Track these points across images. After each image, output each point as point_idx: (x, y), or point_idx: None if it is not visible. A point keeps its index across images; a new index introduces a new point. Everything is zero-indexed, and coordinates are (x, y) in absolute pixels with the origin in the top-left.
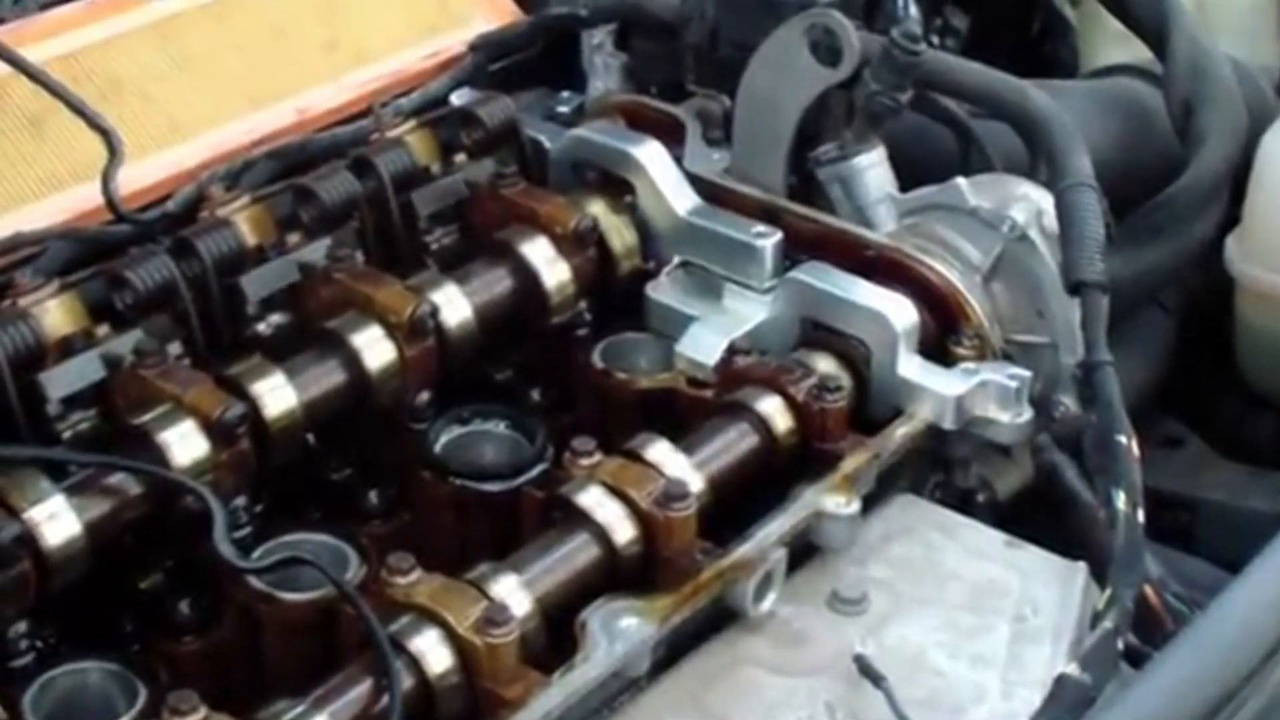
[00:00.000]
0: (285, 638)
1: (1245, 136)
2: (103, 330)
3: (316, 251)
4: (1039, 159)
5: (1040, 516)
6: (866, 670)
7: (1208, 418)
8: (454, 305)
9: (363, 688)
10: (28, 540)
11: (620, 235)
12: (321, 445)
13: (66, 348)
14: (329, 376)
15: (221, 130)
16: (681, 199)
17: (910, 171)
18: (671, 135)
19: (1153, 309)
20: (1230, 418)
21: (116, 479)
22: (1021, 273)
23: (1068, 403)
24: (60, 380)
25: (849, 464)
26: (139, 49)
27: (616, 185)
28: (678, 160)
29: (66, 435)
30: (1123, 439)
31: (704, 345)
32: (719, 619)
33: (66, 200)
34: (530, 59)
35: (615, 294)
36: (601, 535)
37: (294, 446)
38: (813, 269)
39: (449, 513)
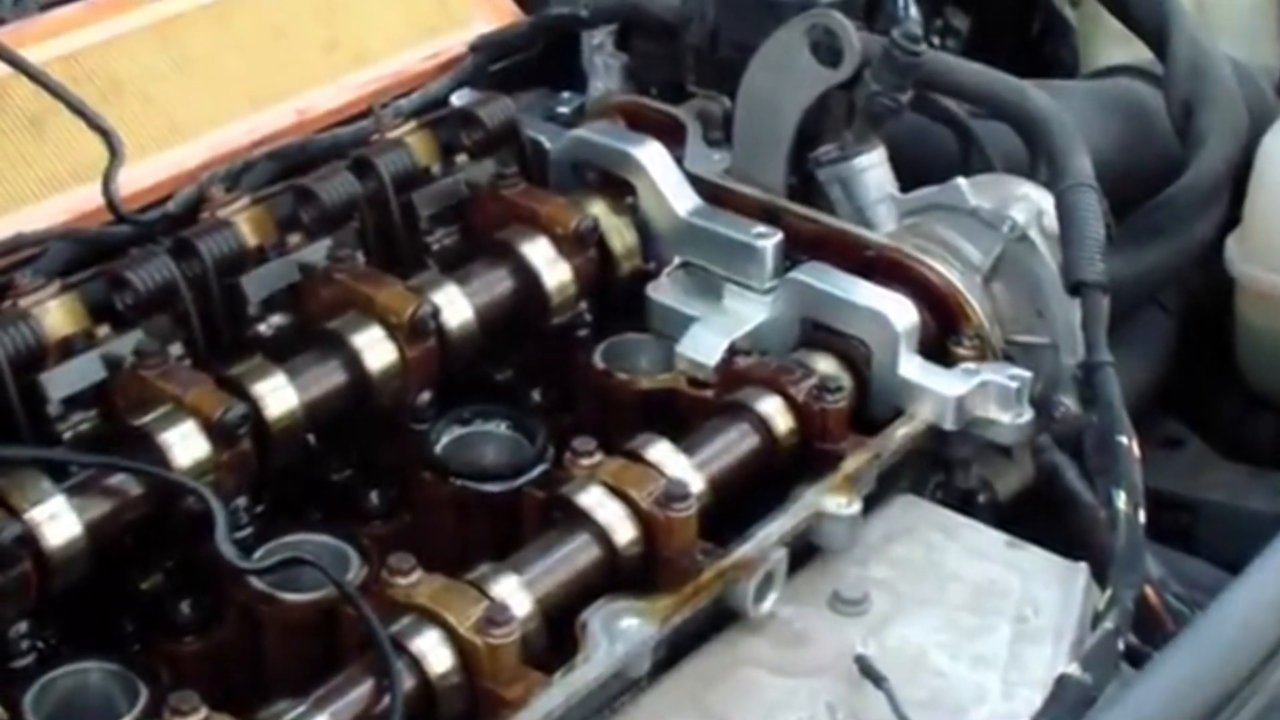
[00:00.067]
0: (286, 638)
1: (1245, 137)
2: (103, 331)
3: (317, 252)
4: (1039, 159)
5: (1041, 517)
6: (867, 671)
7: (1208, 418)
8: (455, 306)
9: (364, 688)
10: (29, 541)
11: (621, 236)
12: (322, 446)
13: (67, 348)
14: (330, 377)
15: (222, 131)
16: (682, 200)
17: (910, 172)
18: (672, 136)
19: (1153, 309)
20: (1230, 418)
21: (117, 479)
22: (1022, 273)
23: (1068, 403)
24: (61, 381)
25: (850, 464)
26: (139, 50)
27: (617, 186)
28: (678, 161)
29: (67, 436)
30: (1123, 439)
31: (704, 346)
32: (720, 619)
33: (67, 201)
34: (530, 60)
35: (616, 295)
36: (602, 536)
37: (295, 447)
38: (813, 269)
39: (450, 513)
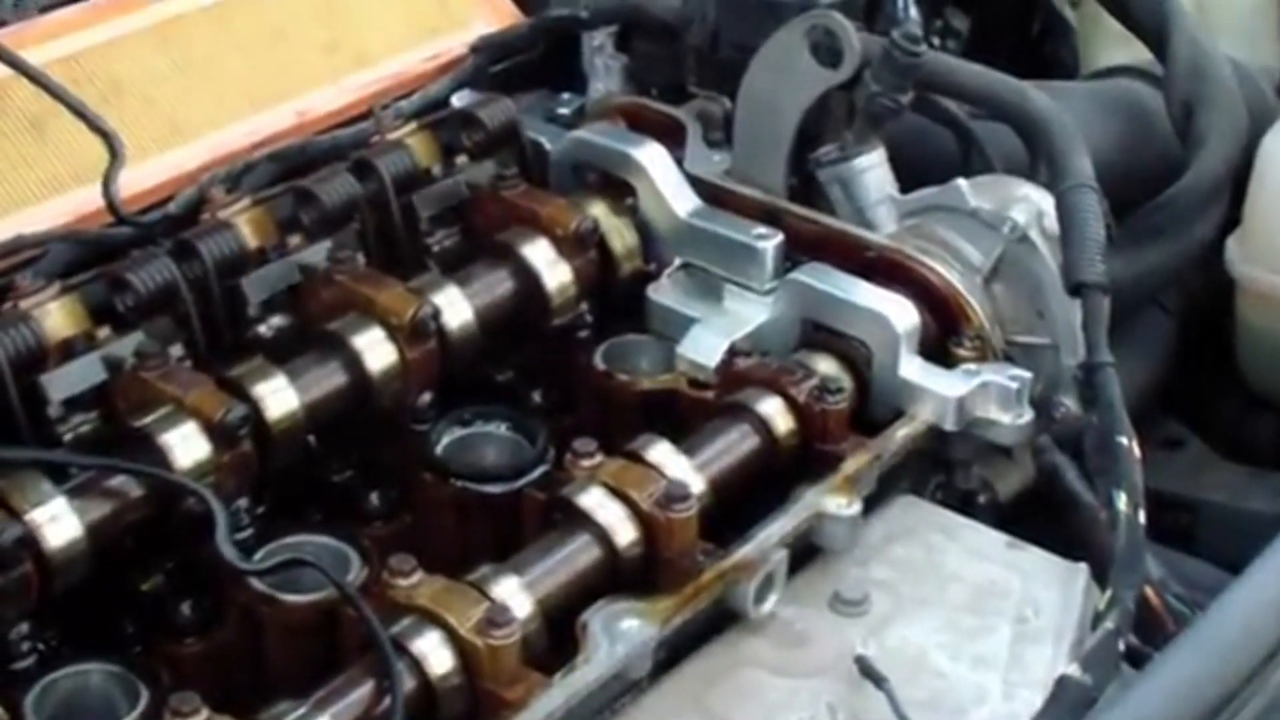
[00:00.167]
0: (287, 639)
1: (1245, 138)
2: (104, 332)
3: (318, 253)
4: (1039, 160)
5: (1041, 518)
6: (868, 671)
7: (1208, 419)
8: (455, 307)
9: (364, 689)
10: (29, 542)
11: (621, 237)
12: (323, 447)
13: (68, 350)
14: (330, 378)
15: (222, 132)
16: (682, 201)
17: (911, 173)
18: (672, 137)
19: (1153, 310)
20: (1231, 419)
21: (118, 481)
22: (1022, 274)
23: (1069, 404)
24: (61, 382)
25: (850, 465)
26: (140, 51)
27: (617, 187)
28: (678, 162)
29: (68, 437)
30: (1124, 440)
31: (705, 347)
32: (720, 620)
33: (68, 202)
34: (531, 61)
35: (616, 296)
36: (603, 536)
37: (295, 448)
38: (813, 270)
39: (450, 514)
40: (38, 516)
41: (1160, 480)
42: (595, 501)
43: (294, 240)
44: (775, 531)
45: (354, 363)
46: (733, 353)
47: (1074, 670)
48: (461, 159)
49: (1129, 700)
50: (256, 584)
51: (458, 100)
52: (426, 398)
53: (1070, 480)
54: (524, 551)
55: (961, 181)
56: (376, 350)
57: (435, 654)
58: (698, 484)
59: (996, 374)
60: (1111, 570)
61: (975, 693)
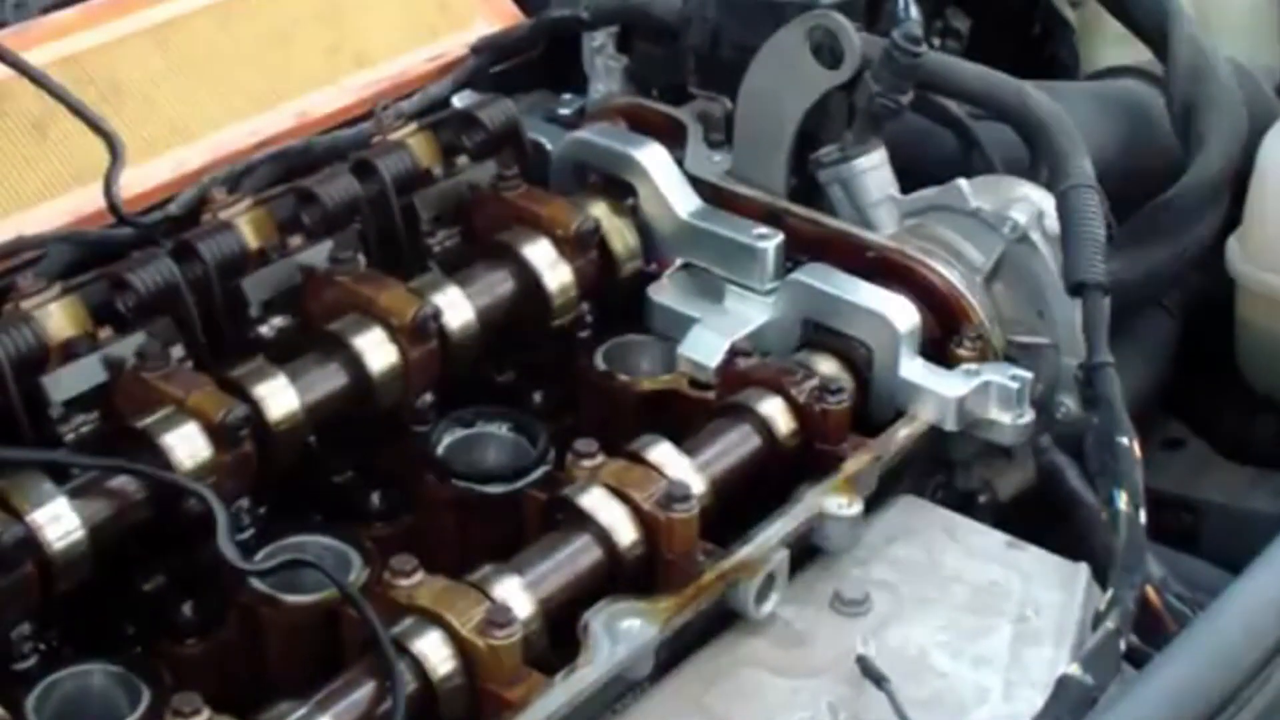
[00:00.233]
0: (288, 640)
1: (1246, 138)
2: (105, 333)
3: (318, 254)
4: (1040, 160)
5: (1042, 517)
6: (869, 671)
7: (1209, 419)
8: (456, 308)
9: (366, 689)
10: (31, 543)
11: (622, 237)
12: (324, 448)
13: (69, 351)
14: (331, 379)
15: (223, 133)
16: (683, 201)
17: (911, 173)
18: (673, 137)
19: (1154, 310)
20: (1232, 419)
21: (119, 481)
22: (1023, 274)
23: (1069, 404)
24: (62, 383)
25: (851, 465)
26: (141, 52)
27: (618, 187)
28: (679, 162)
29: (69, 438)
30: (1124, 440)
31: (706, 347)
32: (721, 620)
33: (69, 203)
34: (532, 61)
35: (617, 296)
36: (604, 537)
37: (296, 449)
38: (814, 270)
39: (451, 515)
40: (39, 517)
41: (1161, 480)
42: (596, 502)
43: (295, 241)
44: (776, 531)
45: (355, 363)
46: (733, 353)
47: (1075, 670)
48: (462, 159)
49: (1130, 700)
50: (258, 584)
51: (458, 101)
52: (427, 398)
53: (1071, 480)
54: (525, 552)
55: (962, 181)
56: (377, 351)
57: (436, 654)
58: (699, 484)
59: (997, 374)
60: (1112, 570)
61: (976, 692)
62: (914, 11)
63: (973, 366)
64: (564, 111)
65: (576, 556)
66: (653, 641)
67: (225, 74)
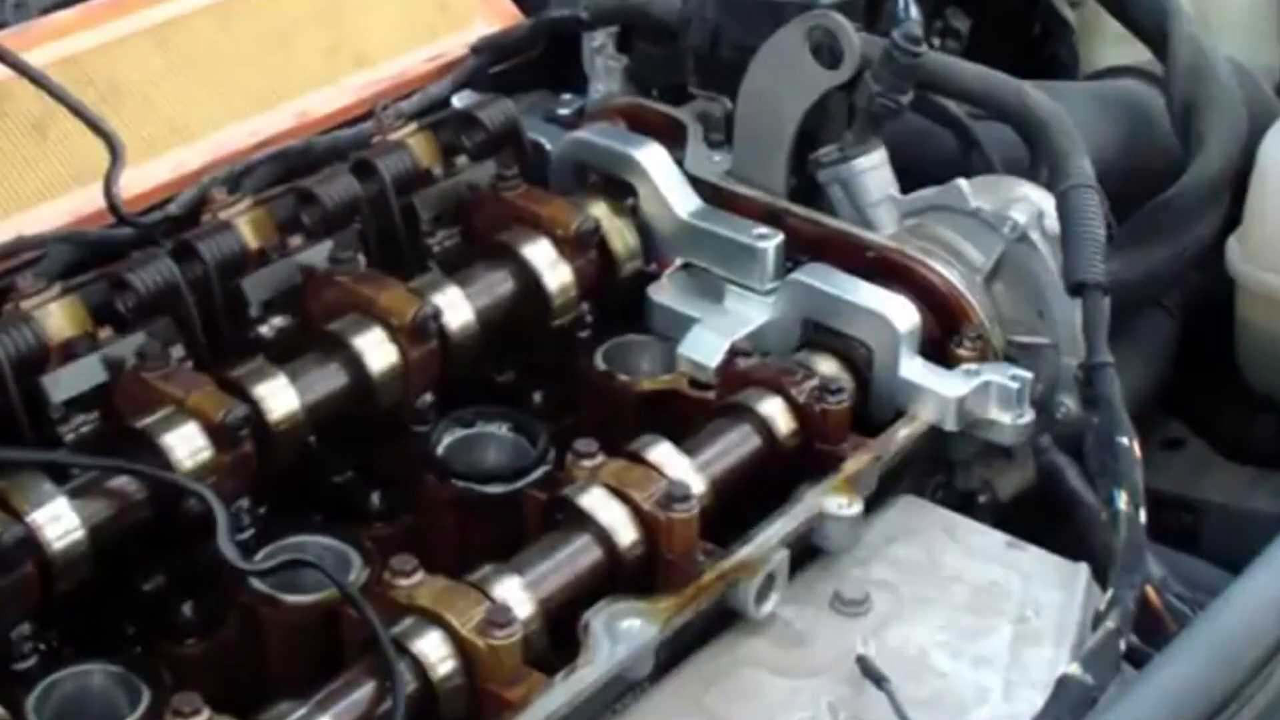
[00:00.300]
0: (288, 640)
1: (1245, 138)
2: (105, 333)
3: (318, 254)
4: (1040, 160)
5: (1042, 517)
6: (869, 671)
7: (1209, 419)
8: (456, 308)
9: (366, 690)
10: (31, 543)
11: (622, 237)
12: (324, 448)
13: (69, 351)
14: (331, 379)
15: (223, 133)
16: (683, 201)
17: (911, 173)
18: (672, 137)
19: (1154, 310)
20: (1232, 419)
21: (119, 482)
22: (1022, 274)
23: (1069, 404)
24: (62, 383)
25: (851, 465)
26: (140, 52)
27: (618, 187)
28: (679, 162)
29: (69, 438)
30: (1124, 440)
31: (706, 347)
32: (721, 620)
33: (68, 203)
34: (531, 61)
35: (617, 296)
36: (604, 537)
37: (296, 449)
38: (814, 270)
39: (451, 515)
40: (39, 517)
41: (1161, 480)
42: (596, 502)
43: (294, 241)
44: (776, 531)
45: (355, 363)
46: (733, 353)
47: (1075, 670)
48: (462, 159)
49: (1130, 700)
50: (258, 584)
51: (458, 101)
52: (427, 398)
53: (1071, 480)
54: (525, 552)
55: (962, 181)
56: (377, 351)
57: (436, 654)
58: (699, 484)
59: (997, 374)
60: (1112, 570)
61: (976, 692)
62: (914, 11)
63: (973, 366)
64: (564, 111)
65: (576, 556)
66: (653, 641)
67: (225, 74)
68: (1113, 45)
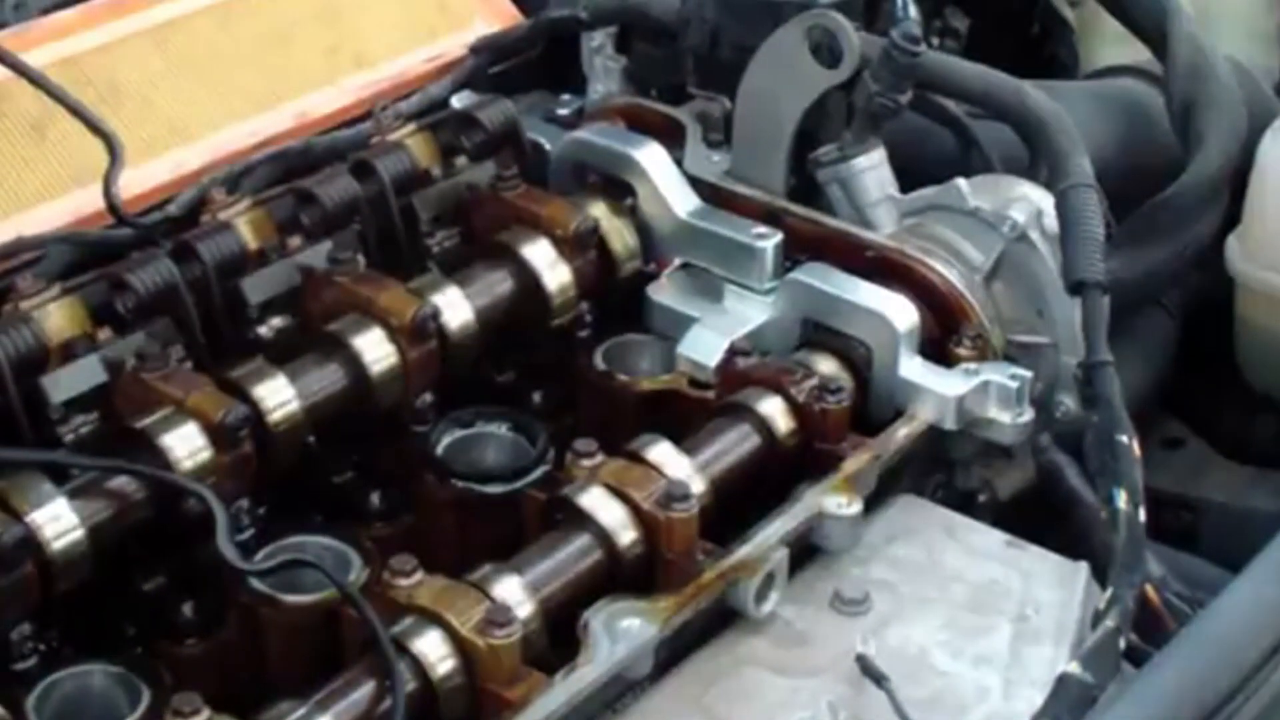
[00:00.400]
0: (288, 640)
1: (1245, 137)
2: (104, 334)
3: (318, 254)
4: (1039, 159)
5: (1042, 517)
6: (869, 670)
7: (1209, 418)
8: (455, 308)
9: (366, 689)
10: (31, 543)
11: (621, 237)
12: (324, 448)
13: (68, 351)
14: (331, 379)
15: (222, 134)
16: (682, 201)
17: (911, 172)
18: (672, 137)
19: (1154, 309)
20: (1231, 418)
21: (119, 482)
22: (1022, 273)
23: (1069, 403)
24: (62, 384)
25: (850, 465)
26: (140, 53)
27: (617, 187)
28: (678, 162)
29: (68, 439)
30: (1124, 438)
31: (705, 346)
32: (721, 620)
33: (68, 204)
34: (530, 62)
35: (617, 296)
36: (603, 536)
37: (296, 449)
38: (813, 270)
39: (451, 515)
40: (39, 517)
41: (1160, 479)
42: (596, 501)
43: (294, 241)
44: (776, 531)
45: (354, 364)
46: (733, 352)
47: (1074, 668)
48: (461, 160)
49: (1129, 698)
50: (258, 584)
51: (457, 101)
52: (427, 398)
53: (1070, 479)
54: (525, 551)
55: (961, 181)
56: (377, 351)
57: (436, 654)
58: (698, 484)
59: (996, 373)
60: (1112, 569)
61: (976, 691)
62: (912, 11)
63: (972, 366)
64: (563, 112)
65: (576, 556)
66: (652, 641)
67: (224, 75)
68: (1112, 45)
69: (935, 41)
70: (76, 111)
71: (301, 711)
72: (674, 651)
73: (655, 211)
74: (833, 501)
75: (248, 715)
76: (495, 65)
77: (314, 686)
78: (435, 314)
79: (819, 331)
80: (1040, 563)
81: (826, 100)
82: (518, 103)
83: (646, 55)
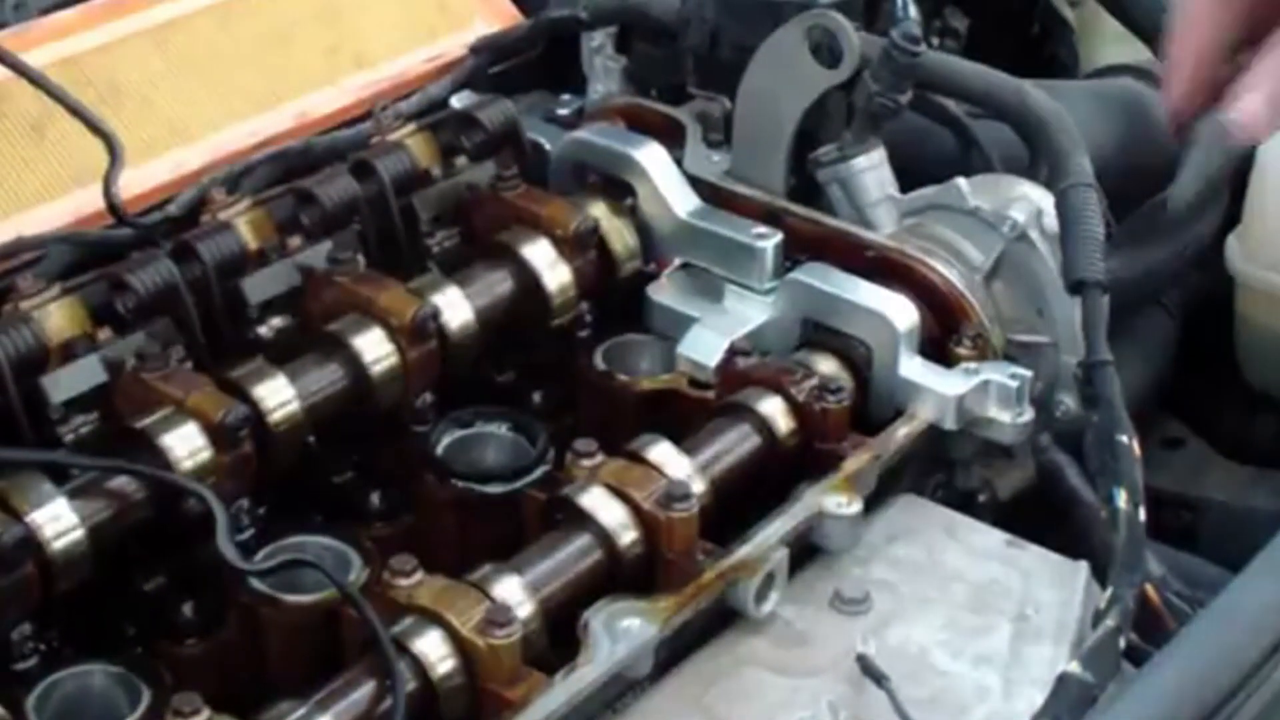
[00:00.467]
0: (288, 640)
1: None
2: (104, 334)
3: (318, 255)
4: (1039, 159)
5: (1042, 516)
6: (869, 670)
7: (1209, 417)
8: (455, 308)
9: (366, 689)
10: (31, 543)
11: (621, 237)
12: (324, 448)
13: (68, 351)
14: (331, 379)
15: (222, 134)
16: (682, 201)
17: (911, 172)
18: (672, 137)
19: (1154, 309)
20: (1231, 418)
21: (119, 482)
22: (1022, 273)
23: (1069, 402)
24: (62, 384)
25: (850, 464)
26: (140, 53)
27: (617, 187)
28: (678, 162)
29: (68, 439)
30: (1124, 438)
31: (705, 346)
32: (721, 620)
33: (68, 204)
34: (530, 62)
35: (617, 296)
36: (604, 536)
37: (296, 449)
38: (813, 270)
39: (451, 515)
40: (39, 517)
41: (1161, 479)
42: (596, 501)
43: (294, 241)
44: (776, 531)
45: (354, 364)
46: (733, 352)
47: (1075, 668)
48: (461, 160)
49: (1129, 698)
50: (258, 584)
51: (457, 101)
52: (427, 398)
53: (1070, 479)
54: (525, 551)
55: (961, 180)
56: (377, 351)
57: (436, 654)
58: (698, 483)
59: (996, 373)
60: (1112, 568)
61: (976, 691)
62: (912, 11)
63: (972, 365)
64: (563, 112)
65: (576, 556)
66: (652, 640)
67: (224, 75)
68: (1112, 44)
69: (935, 41)
70: (76, 111)
71: (301, 711)
72: (674, 651)
73: (655, 211)
74: (833, 501)
75: (248, 715)
76: (495, 65)
77: (314, 686)
78: (435, 314)
79: (819, 331)
80: (1040, 562)
81: (826, 100)
82: (518, 103)
83: (646, 55)
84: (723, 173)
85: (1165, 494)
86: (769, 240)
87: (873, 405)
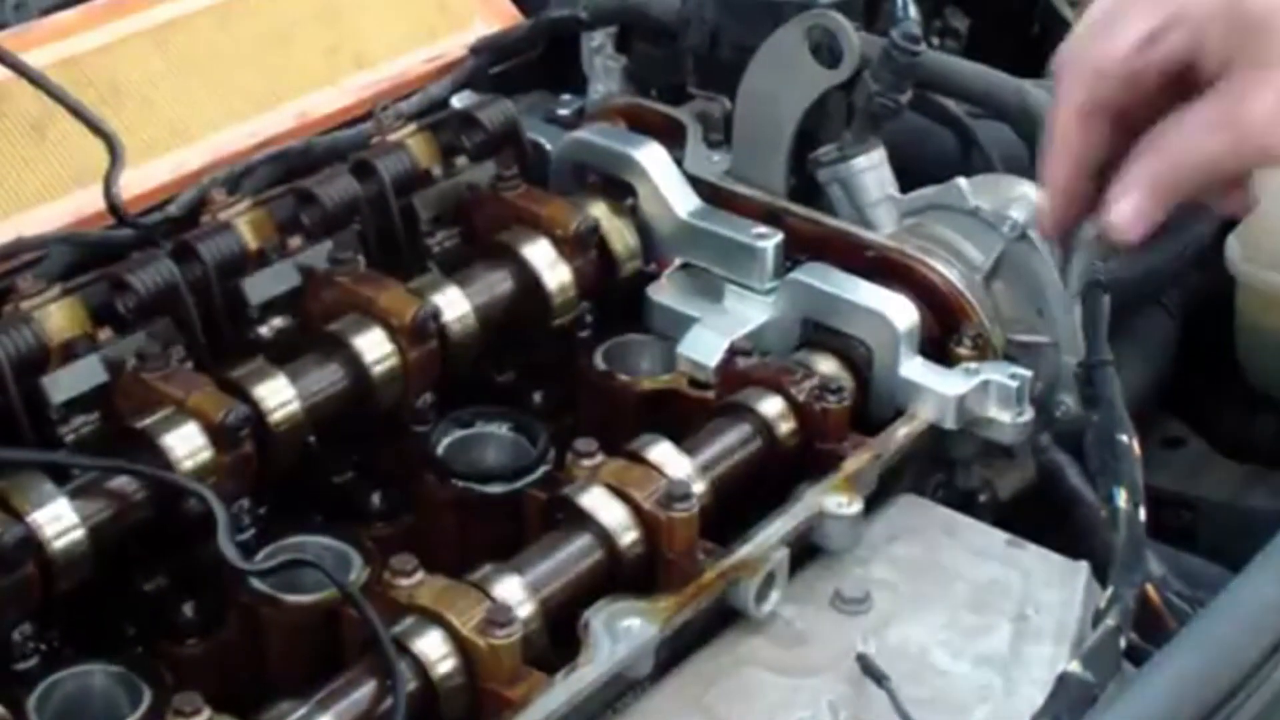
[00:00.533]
0: (289, 640)
1: None
2: (105, 334)
3: (318, 255)
4: (1039, 159)
5: (1042, 516)
6: (869, 670)
7: (1209, 417)
8: (456, 308)
9: (366, 689)
10: (32, 543)
11: (621, 237)
12: (324, 448)
13: (68, 351)
14: (331, 379)
15: (223, 134)
16: (682, 201)
17: (911, 172)
18: (672, 137)
19: (1154, 308)
20: (1231, 417)
21: (120, 482)
22: (1022, 272)
23: (1069, 402)
24: (62, 384)
25: (851, 464)
26: (140, 53)
27: (618, 187)
28: (678, 162)
29: (69, 439)
30: (1124, 438)
31: (705, 346)
32: (722, 619)
33: (68, 204)
34: (530, 62)
35: (617, 296)
36: (604, 536)
37: (297, 449)
38: (813, 270)
39: (451, 515)
40: (40, 518)
41: (1161, 478)
42: (596, 501)
43: (294, 241)
44: (776, 531)
45: (355, 364)
46: (733, 352)
47: (1075, 667)
48: (461, 160)
49: (1129, 697)
50: (258, 584)
51: (458, 101)
52: (427, 398)
53: (1071, 478)
54: (525, 551)
55: (961, 180)
56: (377, 351)
57: (437, 653)
58: (699, 483)
59: (997, 372)
60: (1112, 568)
61: (977, 691)
62: (912, 11)
63: (972, 365)
64: (563, 112)
65: (577, 556)
66: (653, 640)
67: (225, 75)
68: None
69: (935, 41)
70: (77, 112)
71: (302, 711)
72: (674, 651)
73: (655, 211)
74: (833, 501)
75: (248, 715)
76: (495, 65)
77: (314, 686)
78: (435, 314)
79: (819, 331)
80: (1040, 562)
81: (826, 100)
82: (518, 103)
83: (646, 55)
84: (723, 173)
85: (1165, 494)
86: (769, 240)
87: (873, 405)
